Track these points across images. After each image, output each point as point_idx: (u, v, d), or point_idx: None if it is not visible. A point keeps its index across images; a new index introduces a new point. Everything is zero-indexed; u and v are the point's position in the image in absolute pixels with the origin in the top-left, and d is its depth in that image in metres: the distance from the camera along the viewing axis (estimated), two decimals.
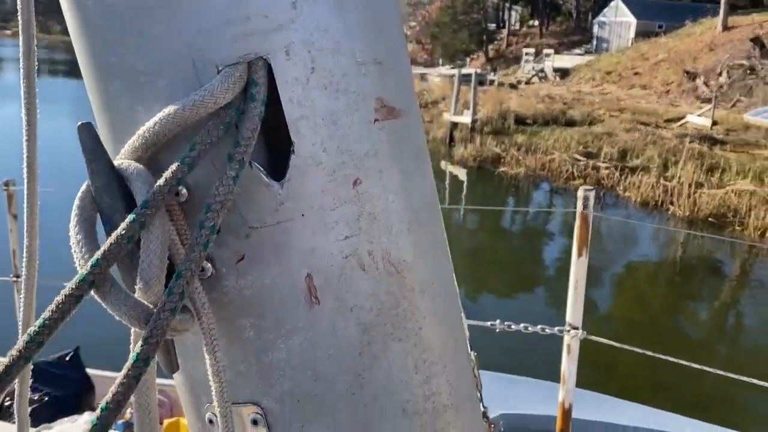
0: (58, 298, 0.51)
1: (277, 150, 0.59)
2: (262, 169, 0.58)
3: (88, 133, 0.56)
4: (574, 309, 3.06)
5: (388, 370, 0.63)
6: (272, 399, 0.63)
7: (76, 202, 0.57)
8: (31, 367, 0.63)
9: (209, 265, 0.60)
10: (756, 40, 27.75)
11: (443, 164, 20.74)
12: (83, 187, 0.57)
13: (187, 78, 0.56)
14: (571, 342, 3.05)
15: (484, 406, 3.06)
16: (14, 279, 4.36)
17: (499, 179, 19.08)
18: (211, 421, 0.67)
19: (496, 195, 17.99)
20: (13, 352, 0.51)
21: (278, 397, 0.63)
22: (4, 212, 4.20)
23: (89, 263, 0.52)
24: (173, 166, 0.54)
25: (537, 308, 10.29)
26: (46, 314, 0.51)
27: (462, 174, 20.03)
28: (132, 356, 0.52)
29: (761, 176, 15.68)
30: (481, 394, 2.95)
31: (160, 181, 0.54)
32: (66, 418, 2.80)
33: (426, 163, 0.68)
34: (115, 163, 0.57)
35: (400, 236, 0.63)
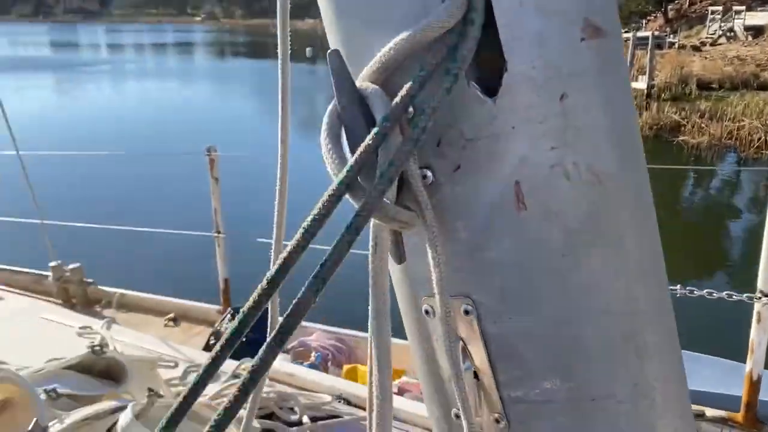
0: (323, 199, 0.63)
1: (490, 68, 0.66)
2: (477, 86, 0.66)
3: (336, 58, 0.67)
4: (766, 275, 2.84)
5: (590, 272, 0.69)
6: (483, 293, 0.71)
7: (325, 119, 0.69)
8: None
9: (429, 173, 0.69)
10: None
11: None
12: (330, 107, 0.69)
13: (415, 8, 0.65)
14: (761, 310, 2.83)
15: None
16: (215, 234, 4.92)
17: (678, 149, 17.74)
18: (427, 312, 0.77)
19: (676, 165, 16.75)
20: (293, 242, 0.63)
21: (488, 291, 0.71)
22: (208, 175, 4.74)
23: (345, 169, 0.63)
24: (407, 85, 0.64)
25: (721, 280, 9.54)
26: (314, 211, 0.63)
27: None
28: (346, 225, 0.62)
29: None
30: None
31: (397, 99, 0.64)
32: None
33: (627, 81, 0.72)
34: (357, 85, 0.68)
35: (602, 149, 0.68)
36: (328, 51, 0.68)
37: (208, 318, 5.05)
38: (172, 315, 5.08)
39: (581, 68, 0.66)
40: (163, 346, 3.22)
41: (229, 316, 4.65)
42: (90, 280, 5.49)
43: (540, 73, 0.65)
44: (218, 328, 4.63)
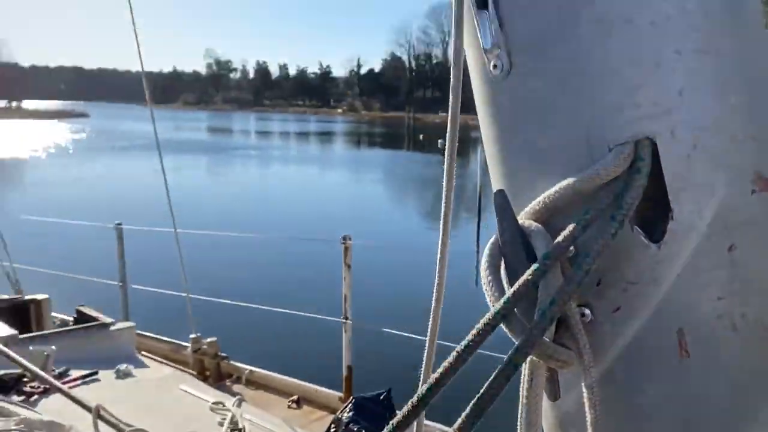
0: (478, 326, 0.66)
1: (655, 215, 0.67)
2: (641, 232, 0.67)
3: (501, 197, 0.71)
4: None
5: (761, 430, 0.66)
6: None
7: (486, 251, 0.72)
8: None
9: (588, 311, 0.70)
10: None
11: None
12: (492, 239, 0.72)
13: (581, 155, 0.68)
14: None
15: None
16: (343, 320, 5.05)
17: None
18: None
19: None
20: (445, 363, 0.66)
21: None
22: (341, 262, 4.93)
23: (501, 300, 0.66)
24: (570, 227, 0.66)
25: None
26: (469, 337, 0.65)
27: None
28: (505, 360, 0.64)
29: None
30: None
31: (560, 238, 0.66)
32: None
33: None
34: (519, 221, 0.71)
35: None
36: (495, 190, 0.73)
37: (329, 404, 5.11)
38: (295, 397, 5.20)
39: (751, 219, 0.65)
40: (288, 430, 3.28)
41: (351, 405, 4.67)
42: (224, 355, 5.77)
43: (708, 223, 0.65)
44: (340, 416, 4.65)
